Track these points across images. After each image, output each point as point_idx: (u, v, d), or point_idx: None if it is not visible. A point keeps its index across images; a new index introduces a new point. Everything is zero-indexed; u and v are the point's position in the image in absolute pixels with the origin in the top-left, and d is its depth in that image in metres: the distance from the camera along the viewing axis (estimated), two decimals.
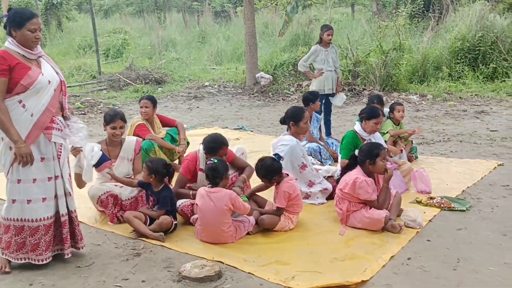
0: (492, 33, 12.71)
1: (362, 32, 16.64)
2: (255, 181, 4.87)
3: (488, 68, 12.43)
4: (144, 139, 5.88)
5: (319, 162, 6.40)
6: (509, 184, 5.59)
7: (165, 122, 6.51)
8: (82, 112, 11.00)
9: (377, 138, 5.53)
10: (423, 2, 18.15)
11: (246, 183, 4.85)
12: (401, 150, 6.42)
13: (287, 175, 4.64)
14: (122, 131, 4.97)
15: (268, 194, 4.89)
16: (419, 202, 5.09)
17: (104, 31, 21.80)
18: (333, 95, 8.08)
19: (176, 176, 4.95)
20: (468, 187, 5.54)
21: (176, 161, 6.39)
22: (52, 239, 3.87)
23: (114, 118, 4.90)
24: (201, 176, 4.73)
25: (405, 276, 3.63)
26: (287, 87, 13.03)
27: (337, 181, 4.88)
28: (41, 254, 3.80)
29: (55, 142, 3.78)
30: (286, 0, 15.83)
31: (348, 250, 4.11)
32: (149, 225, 4.41)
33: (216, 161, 4.30)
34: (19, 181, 3.69)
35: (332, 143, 7.18)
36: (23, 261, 3.80)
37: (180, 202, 4.62)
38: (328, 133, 8.03)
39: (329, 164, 6.31)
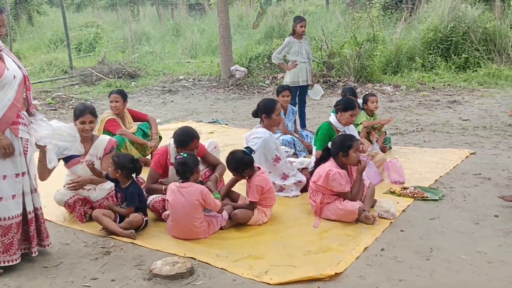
0: (464, 24, 12.85)
1: (337, 24, 16.65)
2: (227, 176, 4.80)
3: (460, 58, 12.57)
4: (114, 134, 5.75)
5: (293, 150, 6.34)
6: (481, 172, 5.64)
7: (137, 117, 6.38)
8: (53, 108, 10.78)
9: (351, 130, 5.52)
10: None
11: (219, 181, 4.78)
12: (376, 140, 6.45)
13: (259, 168, 4.58)
14: (92, 126, 4.80)
15: (241, 188, 4.83)
16: (392, 193, 5.09)
17: (76, 25, 21.40)
18: (307, 86, 8.04)
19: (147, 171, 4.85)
20: (441, 176, 5.57)
21: (149, 156, 6.28)
22: (20, 238, 3.75)
23: (83, 113, 4.70)
24: (172, 170, 4.64)
25: (378, 267, 3.62)
26: (262, 79, 12.97)
27: (311, 173, 4.84)
28: (15, 253, 3.68)
29: (21, 138, 3.66)
30: None
31: (322, 242, 4.08)
32: (119, 222, 4.31)
33: (185, 155, 4.22)
34: None
35: (307, 135, 7.15)
36: None
37: (151, 198, 4.53)
38: (303, 125, 8.00)
39: (304, 156, 6.28)
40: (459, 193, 5.04)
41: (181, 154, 4.26)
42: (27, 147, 3.73)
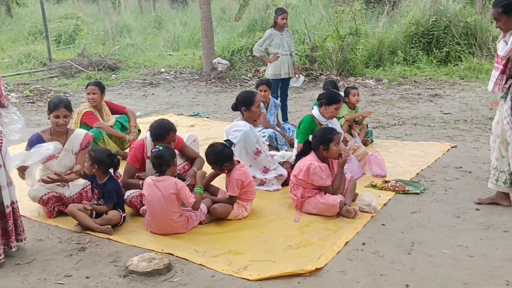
0: (445, 18, 12.89)
1: (319, 17, 16.60)
2: (206, 170, 4.70)
3: (441, 52, 12.61)
4: (91, 128, 5.62)
5: (274, 142, 6.27)
6: (462, 166, 5.64)
7: (115, 109, 6.24)
8: (31, 101, 10.57)
9: (334, 123, 5.45)
10: None
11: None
12: (358, 134, 6.42)
13: (238, 162, 4.50)
14: (67, 121, 4.64)
15: (220, 182, 4.74)
16: (374, 186, 5.05)
17: (56, 17, 21.01)
18: (289, 79, 7.97)
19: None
20: (422, 169, 5.55)
21: (127, 150, 6.14)
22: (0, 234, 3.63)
23: (57, 106, 4.52)
24: (149, 164, 4.53)
25: (359, 262, 3.57)
26: (245, 72, 12.87)
27: (292, 167, 4.77)
28: None
29: None
30: None
31: (303, 237, 4.02)
32: (95, 217, 4.19)
33: (161, 148, 4.11)
34: None
35: (289, 128, 7.08)
36: None
37: (128, 193, 4.41)
38: (285, 118, 7.93)
39: (285, 150, 6.21)
40: (440, 187, 5.03)
41: (157, 147, 4.16)
42: (1, 139, 3.59)
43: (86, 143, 4.64)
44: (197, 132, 6.14)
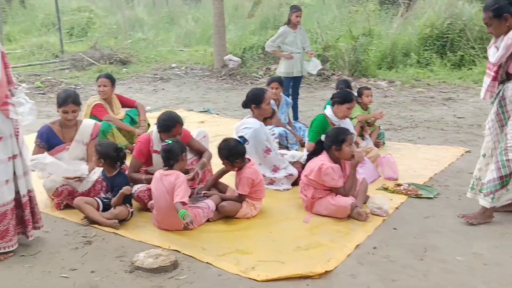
0: (461, 21, 12.71)
1: (332, 17, 16.47)
2: (215, 167, 4.64)
3: (455, 56, 12.44)
4: (101, 120, 5.56)
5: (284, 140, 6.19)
6: None
7: (125, 103, 6.19)
8: (42, 92, 10.55)
9: (347, 123, 5.34)
10: None
11: (206, 168, 4.61)
12: (369, 135, 6.33)
13: (249, 160, 4.42)
14: (75, 115, 4.58)
15: (229, 179, 4.66)
16: (386, 189, 4.96)
17: (69, 9, 21.00)
18: (301, 77, 7.90)
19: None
20: (435, 174, 5.45)
21: None
22: (15, 223, 3.61)
23: (65, 102, 4.47)
24: (156, 158, 4.47)
25: (370, 266, 3.48)
26: (256, 70, 12.78)
27: (303, 166, 4.69)
28: (11, 240, 3.53)
29: (11, 119, 3.47)
30: None
31: (313, 238, 3.93)
32: (102, 211, 4.13)
33: (171, 142, 4.04)
34: None
35: (300, 127, 6.99)
36: None
37: (136, 188, 4.35)
38: (296, 117, 7.84)
39: (296, 149, 6.12)
40: (454, 192, 4.92)
41: (167, 140, 4.10)
42: (18, 128, 3.56)
43: (96, 133, 4.63)
44: (207, 128, 6.03)
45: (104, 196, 4.26)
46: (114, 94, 6.06)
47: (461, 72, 12.03)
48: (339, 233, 4.01)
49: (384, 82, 11.47)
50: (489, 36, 13.29)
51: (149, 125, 6.25)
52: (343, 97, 5.20)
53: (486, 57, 12.55)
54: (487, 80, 4.14)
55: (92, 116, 5.79)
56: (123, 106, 6.16)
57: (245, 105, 5.26)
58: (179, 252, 3.62)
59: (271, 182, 5.03)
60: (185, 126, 4.61)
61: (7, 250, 3.54)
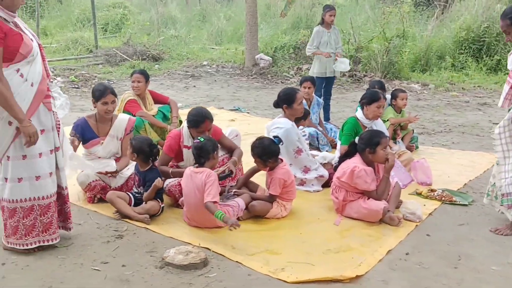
0: (498, 25, 12.40)
1: (366, 18, 16.26)
2: (246, 166, 4.62)
3: (492, 60, 12.15)
4: (134, 116, 5.61)
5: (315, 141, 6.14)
6: None
7: (158, 99, 6.22)
8: (76, 86, 10.73)
9: (379, 125, 5.25)
10: None
11: (238, 165, 4.60)
12: (402, 138, 6.23)
13: (282, 160, 4.40)
14: (114, 106, 4.65)
15: (259, 179, 4.64)
16: (419, 194, 4.86)
17: (104, 5, 21.33)
18: (334, 78, 7.82)
19: None
20: (470, 180, 5.33)
21: None
22: (58, 216, 3.66)
23: (104, 93, 4.52)
24: (187, 153, 4.48)
25: (402, 272, 3.42)
26: (287, 70, 12.74)
27: (335, 168, 4.63)
28: (54, 232, 3.58)
29: (53, 112, 3.53)
30: None
31: (343, 241, 3.89)
32: (134, 206, 4.16)
33: (203, 139, 4.04)
34: (24, 156, 3.38)
35: (331, 128, 6.93)
36: (33, 245, 3.51)
37: (167, 182, 4.38)
38: (327, 118, 7.77)
39: (326, 151, 6.07)
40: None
41: (199, 138, 4.10)
42: (59, 121, 3.61)
43: (131, 128, 4.67)
44: (237, 126, 6.05)
45: (136, 190, 4.29)
46: (148, 90, 6.10)
47: (497, 76, 11.74)
48: (370, 237, 3.95)
49: (418, 85, 11.29)
50: None
51: (181, 121, 6.26)
52: (370, 97, 5.12)
53: None
54: (506, 88, 4.04)
55: (125, 111, 5.84)
56: (156, 102, 6.20)
57: (277, 105, 5.22)
58: (209, 249, 3.63)
59: (302, 183, 5.00)
60: (215, 124, 4.61)
61: (51, 243, 3.58)
